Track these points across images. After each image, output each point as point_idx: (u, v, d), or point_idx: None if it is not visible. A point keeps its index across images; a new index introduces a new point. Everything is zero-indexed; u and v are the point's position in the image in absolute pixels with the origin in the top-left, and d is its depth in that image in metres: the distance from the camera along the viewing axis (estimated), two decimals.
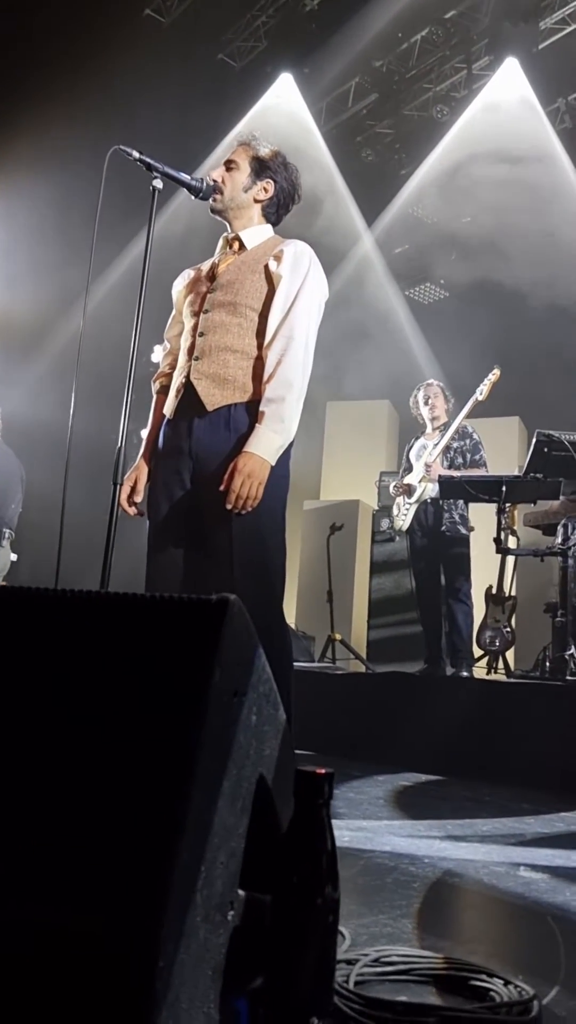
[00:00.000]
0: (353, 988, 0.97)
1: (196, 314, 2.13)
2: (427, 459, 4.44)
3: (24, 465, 5.27)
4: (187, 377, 2.08)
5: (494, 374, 4.58)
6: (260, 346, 2.06)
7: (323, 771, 0.84)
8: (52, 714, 0.80)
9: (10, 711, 0.83)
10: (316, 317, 2.11)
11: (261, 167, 2.18)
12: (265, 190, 2.19)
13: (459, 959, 1.11)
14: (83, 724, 0.79)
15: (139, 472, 2.19)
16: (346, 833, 2.03)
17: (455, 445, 4.48)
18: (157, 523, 2.09)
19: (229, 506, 1.92)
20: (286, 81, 6.99)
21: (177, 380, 2.12)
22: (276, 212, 2.24)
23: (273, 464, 1.97)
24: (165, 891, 0.69)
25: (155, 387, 2.28)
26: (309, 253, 2.13)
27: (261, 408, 1.99)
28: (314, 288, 2.09)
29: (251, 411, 2.02)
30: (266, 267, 2.09)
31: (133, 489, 2.17)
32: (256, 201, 2.20)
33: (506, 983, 1.02)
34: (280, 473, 2.02)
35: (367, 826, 2.16)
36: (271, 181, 2.19)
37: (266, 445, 1.96)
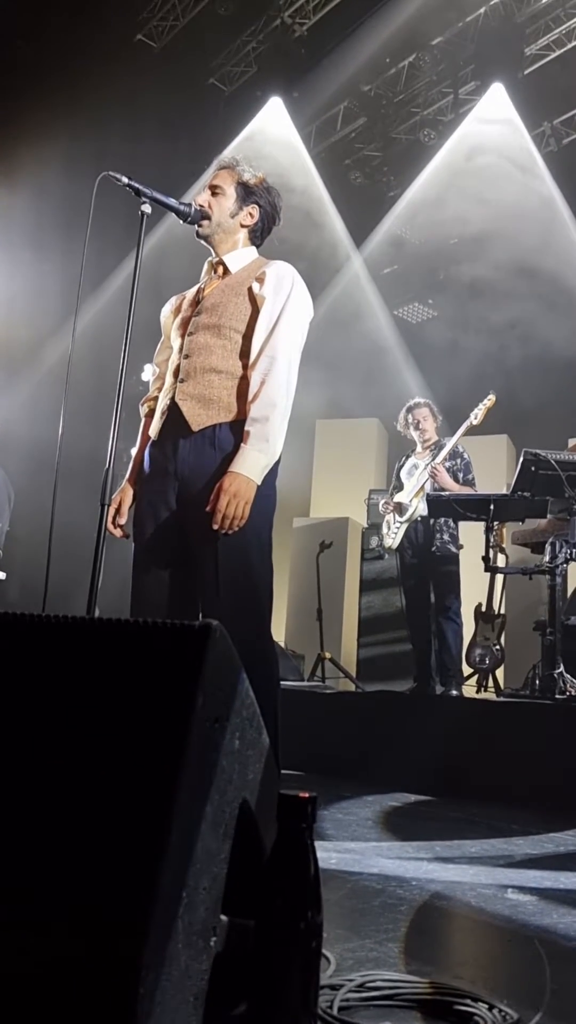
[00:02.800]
0: (337, 1014, 0.97)
1: (182, 336, 2.15)
2: (432, 464, 4.42)
3: (13, 484, 5.26)
4: (172, 399, 2.09)
5: (490, 400, 4.61)
6: (245, 366, 2.07)
7: (306, 795, 0.85)
8: (33, 739, 0.80)
9: None
10: (300, 337, 2.13)
11: (247, 192, 2.21)
12: (251, 215, 2.22)
13: (444, 984, 1.11)
14: (64, 749, 0.79)
15: (124, 494, 2.20)
16: (334, 855, 2.02)
17: (447, 464, 4.50)
18: (143, 544, 2.10)
19: (215, 526, 1.93)
20: (276, 105, 7.08)
21: (162, 402, 2.14)
22: (260, 236, 2.27)
23: (259, 483, 1.98)
24: (146, 917, 0.69)
25: (143, 410, 2.30)
26: (292, 273, 2.14)
27: (246, 428, 2.00)
28: (297, 308, 2.11)
29: (236, 431, 2.03)
30: (250, 289, 2.12)
31: (118, 511, 2.17)
32: (243, 226, 2.22)
33: (490, 1007, 1.02)
34: (265, 492, 2.02)
35: (355, 848, 2.14)
36: (256, 206, 2.22)
37: (251, 464, 1.96)
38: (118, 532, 2.17)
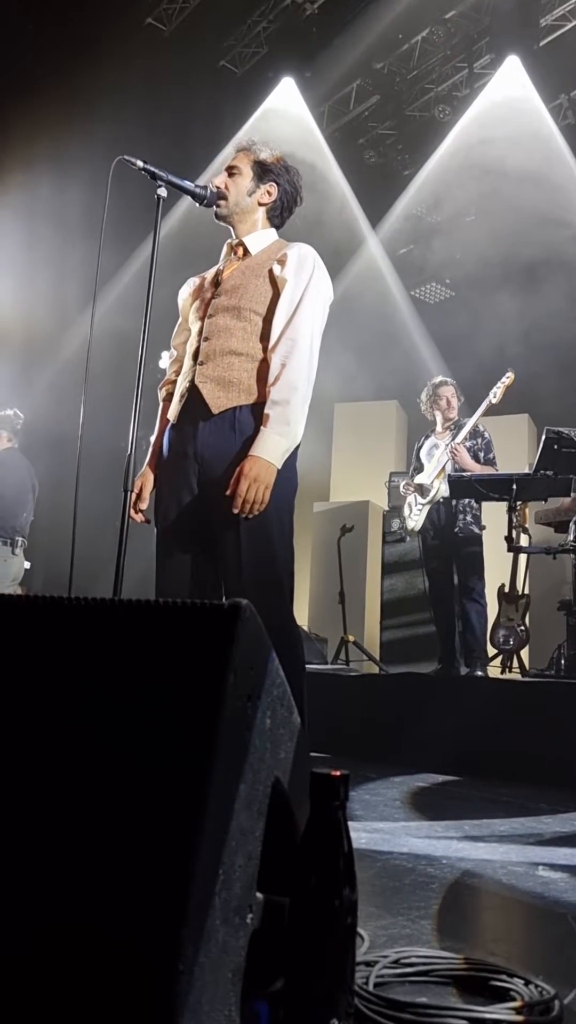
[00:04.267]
0: (373, 990, 0.98)
1: (201, 319, 2.14)
2: (452, 444, 4.39)
3: (35, 473, 5.30)
4: (192, 381, 2.08)
5: (508, 377, 4.56)
6: (265, 349, 2.06)
7: (338, 773, 0.85)
8: (69, 722, 0.81)
9: (29, 720, 0.83)
10: (321, 320, 2.11)
11: (263, 171, 2.19)
12: (269, 193, 2.20)
13: (479, 960, 1.11)
14: (99, 731, 0.79)
15: (144, 479, 2.20)
16: (363, 835, 2.03)
17: (468, 444, 4.46)
18: (165, 528, 2.10)
19: (235, 511, 1.92)
20: (288, 86, 7.02)
21: (181, 385, 2.13)
22: (280, 215, 2.25)
23: (279, 467, 1.97)
24: (184, 895, 0.70)
25: (161, 394, 2.29)
26: (313, 256, 2.13)
27: (266, 411, 1.98)
28: (318, 291, 2.09)
29: (256, 414, 2.02)
30: (270, 271, 2.10)
31: (138, 496, 2.17)
32: (260, 204, 2.20)
33: (526, 983, 1.02)
34: (287, 476, 2.01)
35: (384, 828, 2.15)
36: (274, 184, 2.20)
37: (272, 448, 1.95)
38: (139, 518, 2.18)
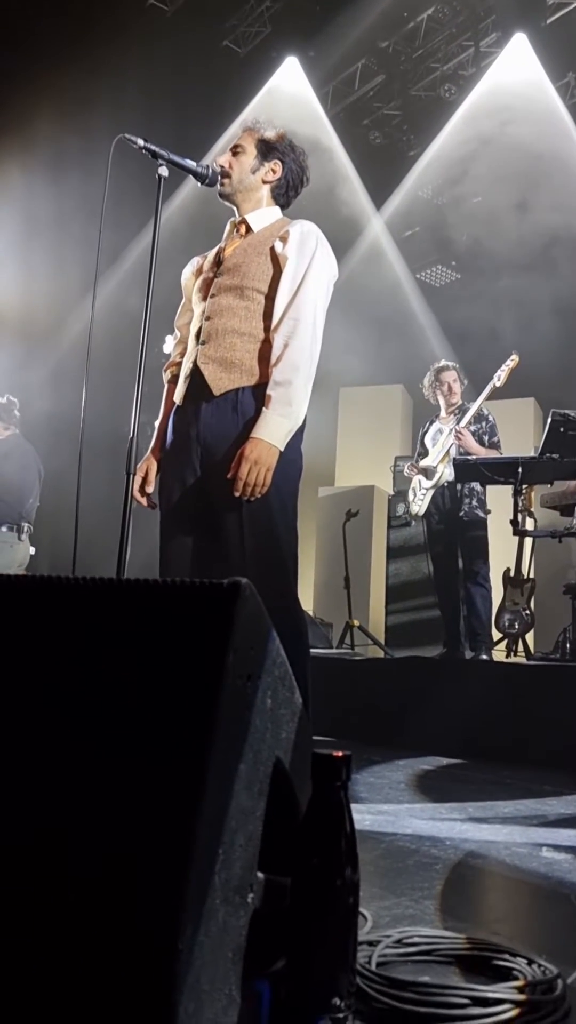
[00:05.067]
0: (375, 969, 0.98)
1: (203, 299, 2.12)
2: (456, 428, 4.37)
3: (39, 457, 5.29)
4: (194, 362, 2.07)
5: (512, 360, 4.53)
6: (267, 329, 2.03)
7: (340, 754, 0.84)
8: (69, 700, 0.81)
9: (27, 700, 0.83)
10: (324, 298, 2.08)
11: (268, 149, 2.16)
12: (273, 171, 2.17)
13: (482, 939, 1.11)
14: (99, 710, 0.79)
15: (149, 463, 2.19)
16: (367, 817, 2.04)
17: (472, 428, 4.44)
18: (168, 510, 2.09)
19: (237, 494, 1.90)
20: (292, 65, 6.94)
21: (185, 366, 2.12)
22: (285, 194, 2.22)
23: (282, 449, 1.95)
24: (183, 874, 0.69)
25: (166, 376, 2.28)
26: (316, 233, 2.09)
27: (268, 392, 1.96)
28: (321, 268, 2.06)
29: (258, 395, 1.99)
30: (272, 249, 2.07)
31: (145, 480, 2.16)
32: (265, 182, 2.18)
33: (529, 962, 1.02)
34: (290, 458, 1.99)
35: (388, 810, 2.16)
36: (279, 162, 2.17)
37: (273, 430, 1.93)
38: (145, 501, 2.17)
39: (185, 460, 2.06)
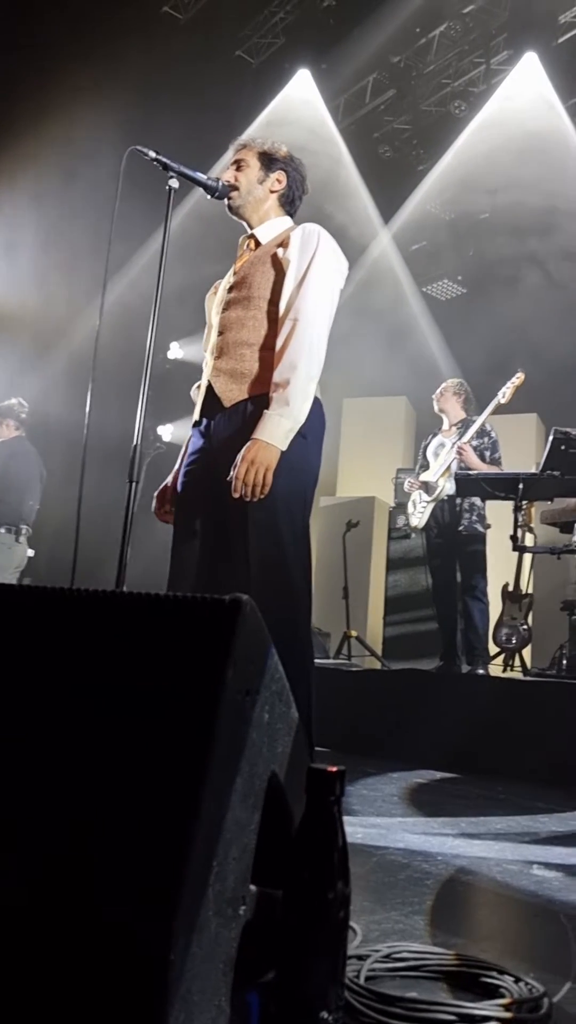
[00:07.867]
0: (364, 983, 0.98)
1: (219, 315, 2.15)
2: (458, 443, 4.39)
3: (41, 460, 5.31)
4: (209, 376, 2.10)
5: (518, 378, 4.55)
6: (275, 335, 2.02)
7: (335, 768, 0.85)
8: (67, 712, 0.82)
9: (27, 710, 0.84)
10: (328, 294, 2.04)
11: (270, 160, 2.18)
12: (279, 180, 2.19)
13: (470, 956, 1.11)
14: (98, 721, 0.80)
15: (167, 483, 2.24)
16: (359, 830, 2.04)
17: (474, 443, 4.46)
18: (181, 517, 2.11)
19: (236, 495, 1.89)
20: (303, 77, 6.98)
21: (203, 382, 2.15)
22: (292, 203, 2.23)
23: (282, 448, 1.91)
24: (177, 885, 0.70)
25: (193, 395, 2.32)
26: (318, 231, 2.07)
27: (270, 394, 1.95)
28: (324, 264, 2.03)
29: (267, 403, 1.99)
30: (274, 255, 2.08)
31: (165, 500, 2.22)
32: (272, 192, 2.19)
33: (517, 980, 1.03)
34: (299, 466, 1.97)
35: (381, 823, 2.16)
36: (283, 172, 2.19)
37: (272, 429, 1.90)
38: (170, 519, 2.20)
39: (199, 472, 2.09)
